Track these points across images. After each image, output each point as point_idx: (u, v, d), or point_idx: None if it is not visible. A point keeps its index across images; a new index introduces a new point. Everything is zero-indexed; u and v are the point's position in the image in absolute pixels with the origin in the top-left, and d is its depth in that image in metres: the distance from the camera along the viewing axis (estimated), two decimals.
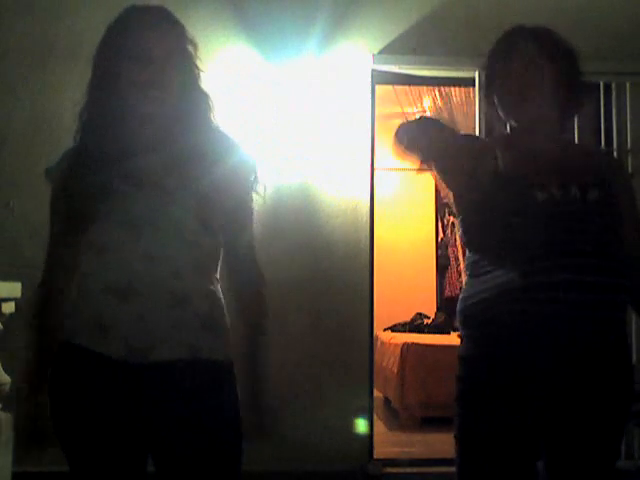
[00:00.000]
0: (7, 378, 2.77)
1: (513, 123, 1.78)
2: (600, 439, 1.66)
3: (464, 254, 1.85)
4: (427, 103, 6.39)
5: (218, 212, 1.57)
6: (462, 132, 1.94)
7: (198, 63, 1.63)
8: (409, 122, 1.81)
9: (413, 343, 5.60)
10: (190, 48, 1.62)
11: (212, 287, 1.59)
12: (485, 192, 1.66)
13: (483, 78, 1.86)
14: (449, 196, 1.79)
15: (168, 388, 1.50)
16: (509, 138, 1.82)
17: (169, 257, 1.52)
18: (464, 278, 1.79)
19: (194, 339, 1.52)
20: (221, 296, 1.62)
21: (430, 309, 7.24)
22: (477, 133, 4.05)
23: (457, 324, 1.79)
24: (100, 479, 1.54)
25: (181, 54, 1.60)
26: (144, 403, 1.51)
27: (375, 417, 4.13)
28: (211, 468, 1.53)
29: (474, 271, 1.72)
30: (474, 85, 4.05)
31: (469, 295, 1.72)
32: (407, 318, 7.00)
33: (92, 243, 1.55)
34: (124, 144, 1.57)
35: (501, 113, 1.79)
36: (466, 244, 1.78)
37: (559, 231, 1.64)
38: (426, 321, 6.96)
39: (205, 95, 1.65)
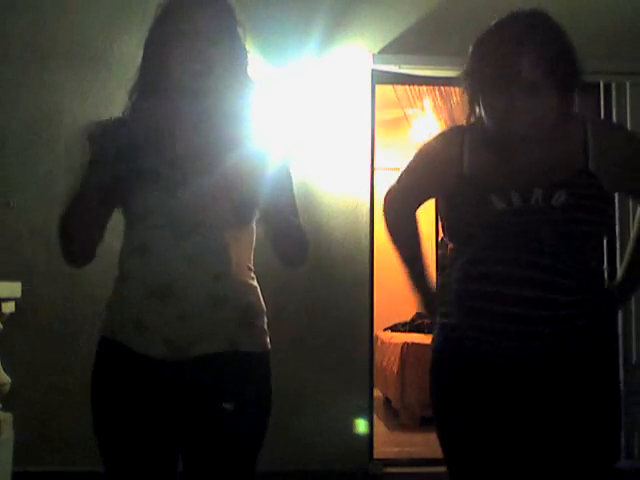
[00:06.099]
0: (7, 378, 2.76)
1: (496, 127, 1.56)
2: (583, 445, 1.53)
3: None
4: (427, 103, 6.39)
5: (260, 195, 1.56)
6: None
7: (247, 47, 1.63)
8: None
9: (413, 343, 5.59)
10: (240, 31, 1.63)
11: (249, 280, 1.60)
12: (451, 197, 1.60)
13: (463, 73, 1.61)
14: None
15: (208, 379, 1.52)
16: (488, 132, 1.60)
17: (209, 259, 1.53)
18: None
19: (233, 334, 1.54)
20: (256, 284, 1.63)
21: None
22: None
23: None
24: (135, 477, 1.56)
25: (230, 35, 1.60)
26: (182, 398, 1.52)
27: (375, 417, 4.12)
28: (241, 454, 1.56)
29: (448, 261, 1.69)
30: None
31: (442, 284, 1.69)
32: (407, 318, 6.98)
33: (133, 243, 1.55)
34: (170, 125, 1.56)
35: (484, 114, 1.58)
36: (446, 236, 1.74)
37: (514, 247, 1.49)
38: (426, 321, 6.95)
39: (251, 81, 1.63)
